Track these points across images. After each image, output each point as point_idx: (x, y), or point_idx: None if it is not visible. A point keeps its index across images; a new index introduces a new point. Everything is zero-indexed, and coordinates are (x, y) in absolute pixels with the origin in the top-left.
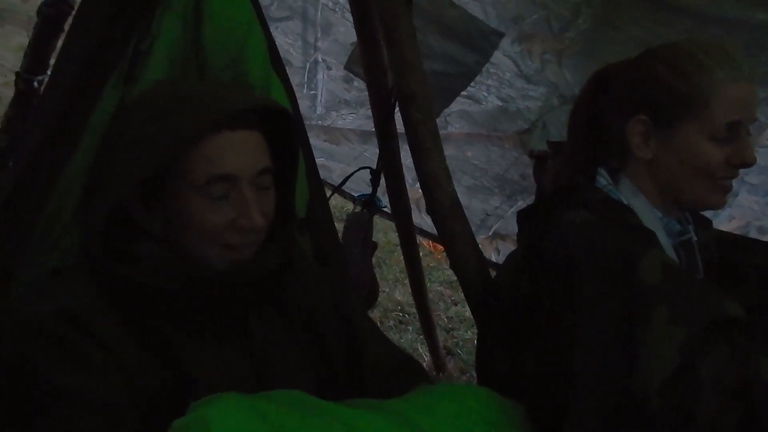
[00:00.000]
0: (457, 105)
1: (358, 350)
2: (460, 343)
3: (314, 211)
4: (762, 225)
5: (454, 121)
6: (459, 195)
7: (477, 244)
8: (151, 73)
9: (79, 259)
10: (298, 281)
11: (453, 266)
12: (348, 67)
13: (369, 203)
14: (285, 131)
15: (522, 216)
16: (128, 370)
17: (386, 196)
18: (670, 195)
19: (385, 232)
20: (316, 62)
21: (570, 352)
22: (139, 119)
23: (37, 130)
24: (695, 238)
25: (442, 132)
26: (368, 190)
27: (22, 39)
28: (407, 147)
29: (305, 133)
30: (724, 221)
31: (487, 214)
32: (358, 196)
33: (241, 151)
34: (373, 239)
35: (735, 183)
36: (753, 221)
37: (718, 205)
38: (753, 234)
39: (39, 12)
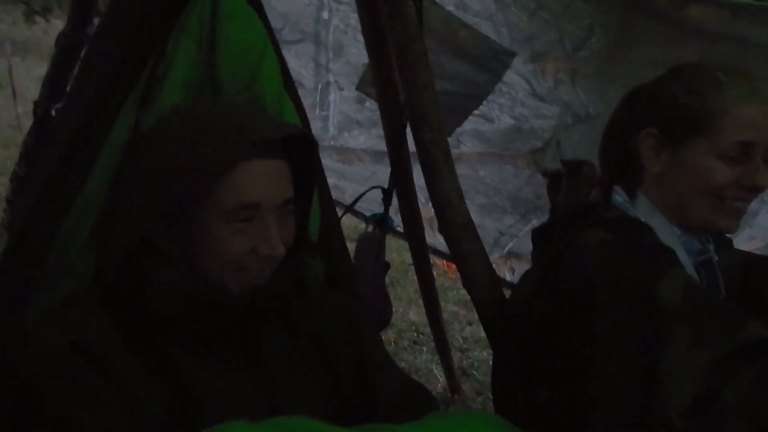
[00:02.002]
0: (470, 124)
1: (370, 379)
2: (476, 363)
3: (326, 233)
4: None
5: (466, 140)
6: (472, 214)
7: (490, 264)
8: (167, 97)
9: (93, 284)
10: (311, 306)
11: (466, 286)
12: (360, 88)
13: (381, 222)
14: (305, 156)
15: (537, 235)
16: (137, 400)
17: (399, 215)
18: (680, 214)
19: (399, 252)
20: (328, 83)
21: (587, 375)
22: (165, 148)
23: (52, 153)
24: (716, 258)
25: (454, 151)
26: (381, 210)
27: (42, 70)
28: (420, 166)
29: (317, 154)
30: (744, 241)
31: (501, 233)
32: (370, 216)
33: (268, 180)
34: (387, 259)
35: (755, 203)
36: None
37: (729, 229)
38: None
39: (57, 42)
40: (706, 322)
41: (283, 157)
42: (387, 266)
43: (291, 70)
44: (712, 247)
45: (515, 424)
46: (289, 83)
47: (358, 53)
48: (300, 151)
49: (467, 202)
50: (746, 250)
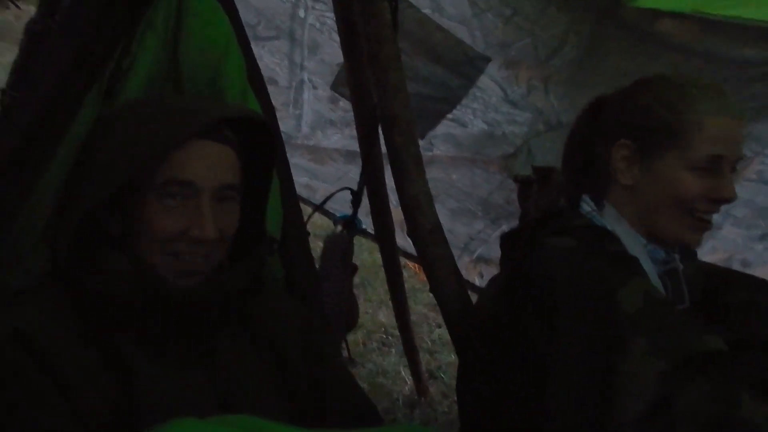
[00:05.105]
0: (443, 128)
1: (322, 389)
2: (443, 366)
3: (288, 234)
4: (745, 258)
5: (439, 143)
6: (443, 218)
7: (457, 269)
8: (131, 91)
9: (44, 278)
10: (267, 309)
11: (432, 290)
12: (334, 87)
13: (349, 224)
14: (263, 148)
15: (505, 240)
16: (80, 395)
17: (370, 216)
18: (647, 225)
19: (370, 252)
20: (302, 82)
21: (547, 378)
22: (112, 132)
23: (6, 146)
24: (681, 267)
25: (427, 154)
26: (351, 211)
27: (14, 56)
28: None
29: (284, 152)
30: (708, 253)
31: (471, 238)
32: (339, 216)
33: (205, 161)
34: (359, 260)
35: (719, 216)
36: (736, 254)
37: (693, 243)
38: (735, 266)
39: (26, 29)
40: (662, 331)
41: (230, 145)
42: (354, 268)
43: (264, 68)
44: (677, 256)
45: (479, 426)
46: (257, 81)
47: (333, 52)
48: (257, 143)
49: (439, 205)
50: (709, 261)
